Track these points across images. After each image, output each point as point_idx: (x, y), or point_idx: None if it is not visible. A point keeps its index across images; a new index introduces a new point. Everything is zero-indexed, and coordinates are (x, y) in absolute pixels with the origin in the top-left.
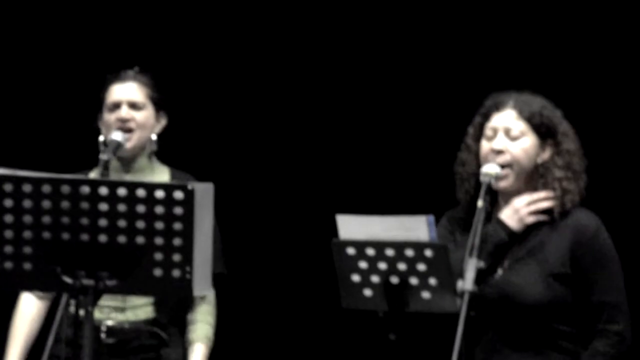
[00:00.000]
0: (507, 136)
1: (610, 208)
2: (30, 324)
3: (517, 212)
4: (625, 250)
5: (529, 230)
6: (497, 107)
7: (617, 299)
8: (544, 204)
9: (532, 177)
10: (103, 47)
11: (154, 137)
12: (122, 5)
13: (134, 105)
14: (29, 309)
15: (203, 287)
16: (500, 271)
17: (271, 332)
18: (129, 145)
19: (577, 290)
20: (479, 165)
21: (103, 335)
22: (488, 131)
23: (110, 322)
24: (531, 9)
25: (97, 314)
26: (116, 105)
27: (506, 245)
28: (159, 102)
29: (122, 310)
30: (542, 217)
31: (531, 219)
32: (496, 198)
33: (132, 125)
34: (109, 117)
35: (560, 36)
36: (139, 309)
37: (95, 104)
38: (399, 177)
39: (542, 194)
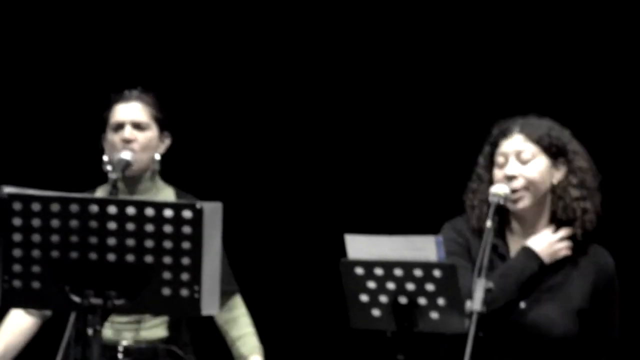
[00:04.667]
0: (519, 160)
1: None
2: (13, 336)
3: (552, 246)
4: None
5: (554, 263)
6: (505, 134)
7: (618, 336)
8: (569, 243)
9: (548, 198)
10: (108, 66)
11: (157, 157)
12: (128, 25)
13: (137, 126)
14: (16, 321)
15: (211, 306)
16: (524, 302)
17: (279, 352)
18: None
19: (590, 325)
20: None
21: (120, 356)
22: (499, 158)
23: (126, 342)
24: (532, 35)
25: (113, 334)
26: (120, 126)
27: (535, 276)
28: (163, 122)
29: (137, 329)
30: (568, 252)
31: (563, 254)
32: (505, 219)
33: (135, 146)
34: (113, 137)
35: (565, 58)
36: (155, 327)
37: (100, 123)
38: (407, 196)
39: (566, 230)
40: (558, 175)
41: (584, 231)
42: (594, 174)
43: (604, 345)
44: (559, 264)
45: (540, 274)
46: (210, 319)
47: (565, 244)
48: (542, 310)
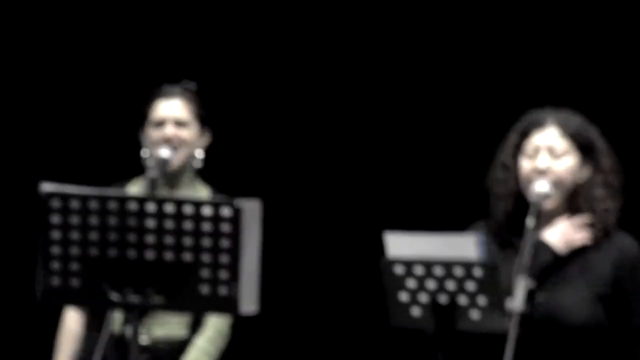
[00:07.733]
0: (551, 155)
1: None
2: (76, 342)
3: (564, 235)
4: None
5: (572, 252)
6: (538, 125)
7: None
8: (587, 231)
9: (572, 195)
10: (148, 59)
11: (200, 154)
12: (169, 19)
13: (179, 123)
14: (75, 327)
15: (249, 305)
16: (543, 293)
17: (319, 350)
18: (173, 162)
19: (615, 312)
20: (517, 184)
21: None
22: (529, 149)
23: (145, 341)
24: (554, 29)
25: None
26: (161, 123)
27: (550, 267)
28: (204, 119)
29: (155, 327)
30: (587, 241)
31: (578, 243)
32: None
33: (176, 143)
34: (154, 133)
35: (588, 52)
36: (171, 325)
37: (139, 116)
38: (448, 194)
39: (584, 217)
40: (584, 174)
41: (603, 229)
42: (617, 174)
43: (630, 333)
44: (579, 252)
45: (557, 265)
46: None
47: (582, 232)
48: (560, 299)
